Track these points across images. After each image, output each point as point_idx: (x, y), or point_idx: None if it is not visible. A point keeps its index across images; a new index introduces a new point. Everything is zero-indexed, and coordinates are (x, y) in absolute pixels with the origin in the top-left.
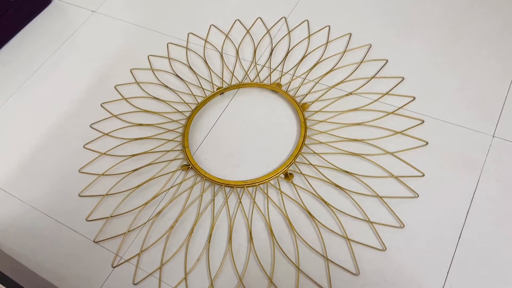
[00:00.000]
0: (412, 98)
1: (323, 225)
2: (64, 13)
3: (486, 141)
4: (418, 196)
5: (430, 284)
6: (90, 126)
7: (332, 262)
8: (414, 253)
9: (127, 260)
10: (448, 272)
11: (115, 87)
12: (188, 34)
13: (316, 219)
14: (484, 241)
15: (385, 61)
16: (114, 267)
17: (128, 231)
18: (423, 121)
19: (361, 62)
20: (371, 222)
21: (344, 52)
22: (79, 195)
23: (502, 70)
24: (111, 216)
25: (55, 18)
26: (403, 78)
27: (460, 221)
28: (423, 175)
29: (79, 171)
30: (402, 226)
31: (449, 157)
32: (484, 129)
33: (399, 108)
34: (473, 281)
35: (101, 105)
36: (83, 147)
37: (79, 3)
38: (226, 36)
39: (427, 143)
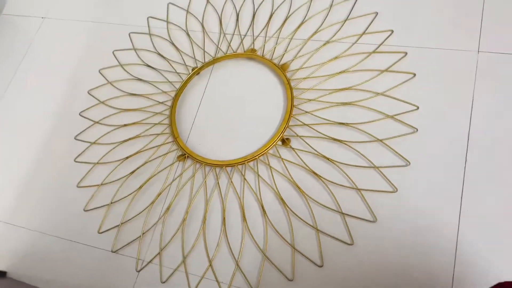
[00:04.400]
0: (390, 32)
1: (331, 181)
2: (14, 26)
3: (472, 58)
4: (417, 130)
5: (447, 214)
6: (75, 138)
7: (348, 215)
8: (426, 187)
9: (150, 262)
10: (461, 198)
11: (88, 92)
12: (148, 18)
13: (322, 178)
14: (491, 158)
15: (354, 0)
16: (139, 271)
17: (143, 234)
18: (406, 53)
19: (331, 7)
20: (378, 167)
21: (311, 0)
22: (84, 210)
23: None
24: (122, 223)
25: (6, 33)
26: (377, 13)
27: (463, 144)
28: (418, 108)
29: (77, 186)
30: (408, 163)
31: (439, 83)
32: (468, 47)
33: (379, 45)
34: (487, 200)
35: (79, 114)
36: (74, 161)
37: (26, 13)
38: (187, 11)
39: (414, 74)
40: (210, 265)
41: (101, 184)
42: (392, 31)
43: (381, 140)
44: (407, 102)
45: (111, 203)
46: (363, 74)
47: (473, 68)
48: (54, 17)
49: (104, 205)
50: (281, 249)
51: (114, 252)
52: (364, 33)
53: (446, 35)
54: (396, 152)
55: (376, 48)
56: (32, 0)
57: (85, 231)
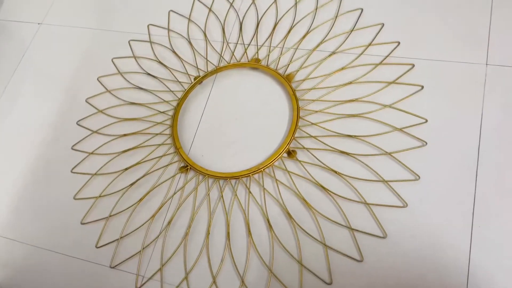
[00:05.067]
0: (396, 44)
1: (338, 195)
2: (8, 32)
3: (480, 71)
4: (426, 143)
5: (457, 230)
6: (72, 148)
7: (357, 230)
8: (436, 202)
9: (150, 278)
10: (473, 214)
11: (86, 100)
12: (148, 26)
13: (330, 191)
14: (502, 172)
15: (360, 10)
16: None
17: (143, 248)
18: (413, 65)
19: (336, 17)
20: (386, 181)
21: (316, 10)
22: (81, 223)
23: None
24: (121, 237)
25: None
26: (383, 25)
27: (473, 158)
28: (426, 121)
29: (74, 198)
30: (418, 177)
31: (448, 96)
32: (476, 60)
33: (386, 57)
34: (499, 215)
35: (77, 123)
36: (71, 172)
37: (21, 18)
38: (189, 19)
39: (422, 87)
40: (214, 281)
41: (99, 196)
42: (399, 43)
43: (389, 153)
44: (415, 115)
45: (110, 216)
46: (370, 85)
47: (481, 81)
48: (51, 23)
49: (102, 218)
50: (288, 265)
51: (113, 267)
52: (370, 44)
53: (454, 47)
54: (405, 166)
55: (383, 60)
56: (28, 6)
57: (82, 245)
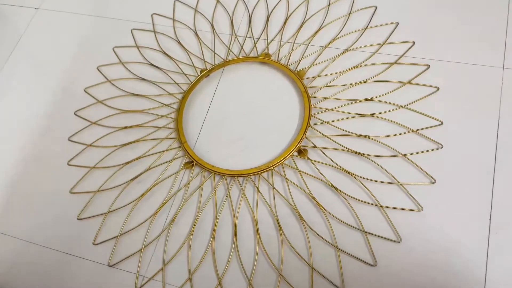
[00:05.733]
0: (411, 43)
1: (351, 197)
2: (3, 17)
3: (497, 74)
4: (442, 146)
5: (474, 235)
6: (69, 140)
7: (370, 233)
8: (452, 206)
9: (151, 278)
10: (490, 219)
11: (84, 90)
12: (152, 15)
13: (342, 192)
14: None
15: (374, 8)
16: None
17: (144, 247)
18: (428, 66)
19: (349, 14)
20: (401, 184)
21: (329, 5)
22: (78, 219)
23: None
24: (120, 234)
25: None
26: (398, 24)
27: (490, 162)
28: (442, 123)
29: (70, 192)
30: (433, 181)
31: (464, 98)
32: (492, 63)
33: (401, 56)
34: None
35: (74, 113)
36: (68, 164)
37: (18, 2)
38: (195, 10)
39: (438, 88)
40: (220, 283)
41: (98, 191)
42: (414, 43)
43: (404, 155)
44: (431, 117)
45: (109, 212)
46: (384, 84)
47: (498, 84)
48: (49, 8)
49: (100, 214)
50: (298, 268)
51: (111, 266)
52: (384, 43)
53: (470, 49)
54: (421, 169)
55: (398, 59)
56: None
57: (78, 242)
